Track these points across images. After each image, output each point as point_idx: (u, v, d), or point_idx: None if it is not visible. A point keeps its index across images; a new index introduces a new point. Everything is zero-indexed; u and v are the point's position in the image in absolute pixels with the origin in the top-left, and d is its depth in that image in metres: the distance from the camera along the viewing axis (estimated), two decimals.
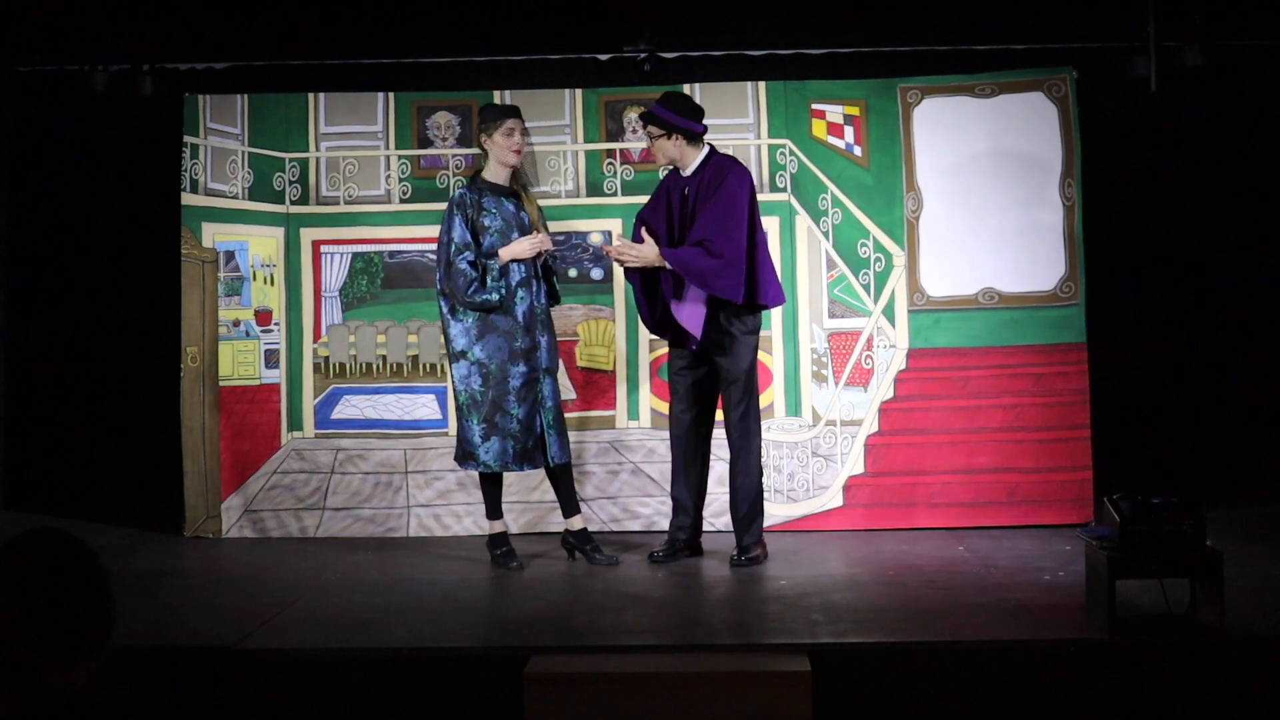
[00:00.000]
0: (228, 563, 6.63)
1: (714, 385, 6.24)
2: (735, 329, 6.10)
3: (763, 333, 6.98)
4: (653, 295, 6.23)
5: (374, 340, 7.24)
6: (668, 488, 6.51)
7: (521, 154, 6.23)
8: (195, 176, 7.25)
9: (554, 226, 6.76)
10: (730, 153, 6.89)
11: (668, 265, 6.03)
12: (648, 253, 6.06)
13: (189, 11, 7.67)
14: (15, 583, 2.39)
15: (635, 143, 7.20)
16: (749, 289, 6.03)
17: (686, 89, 7.22)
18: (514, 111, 6.25)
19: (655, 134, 6.16)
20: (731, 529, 6.29)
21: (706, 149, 6.23)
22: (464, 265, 6.05)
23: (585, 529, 6.37)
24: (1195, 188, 7.89)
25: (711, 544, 6.44)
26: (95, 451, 8.05)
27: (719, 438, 6.38)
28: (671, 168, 6.31)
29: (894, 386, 7.09)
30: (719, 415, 6.32)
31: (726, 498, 6.36)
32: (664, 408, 6.85)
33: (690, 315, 6.05)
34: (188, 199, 7.24)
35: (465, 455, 6.19)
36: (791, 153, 7.19)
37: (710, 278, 5.98)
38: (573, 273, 7.17)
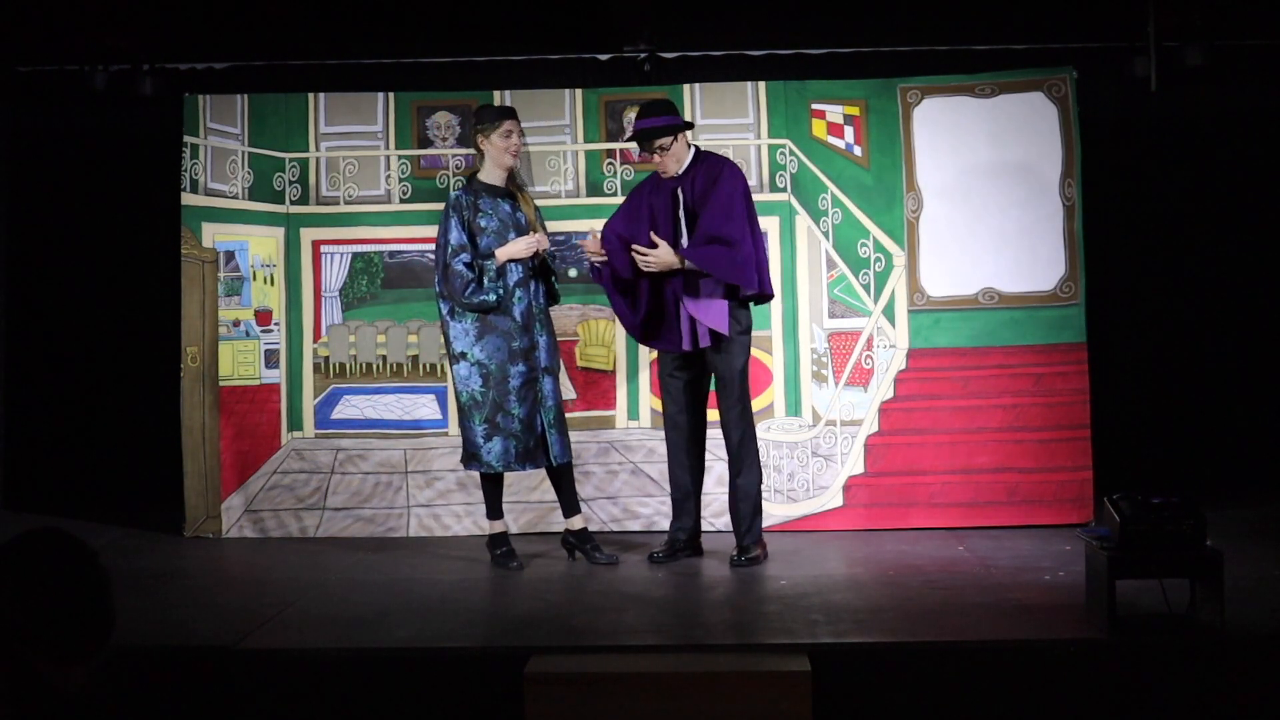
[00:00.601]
0: (228, 563, 6.64)
1: (707, 386, 6.24)
2: (730, 329, 6.09)
3: (763, 332, 7.02)
4: (630, 295, 6.17)
5: (374, 340, 7.24)
6: (667, 488, 6.50)
7: (518, 155, 6.24)
8: (195, 176, 7.25)
9: (554, 226, 6.76)
10: (730, 152, 6.92)
11: (688, 264, 6.00)
12: (665, 255, 6.00)
13: (189, 11, 7.67)
14: (15, 583, 2.39)
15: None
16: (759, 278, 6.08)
17: (686, 89, 7.23)
18: (512, 113, 6.25)
19: (666, 145, 6.09)
20: (731, 529, 6.29)
21: (693, 147, 6.22)
22: (461, 267, 6.04)
23: (585, 528, 6.37)
24: (1195, 188, 7.88)
25: (711, 544, 6.44)
26: (95, 451, 8.04)
27: (714, 437, 6.38)
28: (649, 177, 6.27)
29: (894, 386, 7.09)
30: (712, 416, 6.31)
31: (726, 498, 6.36)
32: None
33: (710, 312, 6.01)
34: (188, 199, 7.24)
35: (469, 457, 6.19)
36: (791, 153, 7.18)
37: (735, 270, 5.98)
38: (572, 273, 7.17)
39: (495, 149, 6.16)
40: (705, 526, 6.50)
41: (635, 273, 6.09)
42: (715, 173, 6.10)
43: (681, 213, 6.13)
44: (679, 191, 6.13)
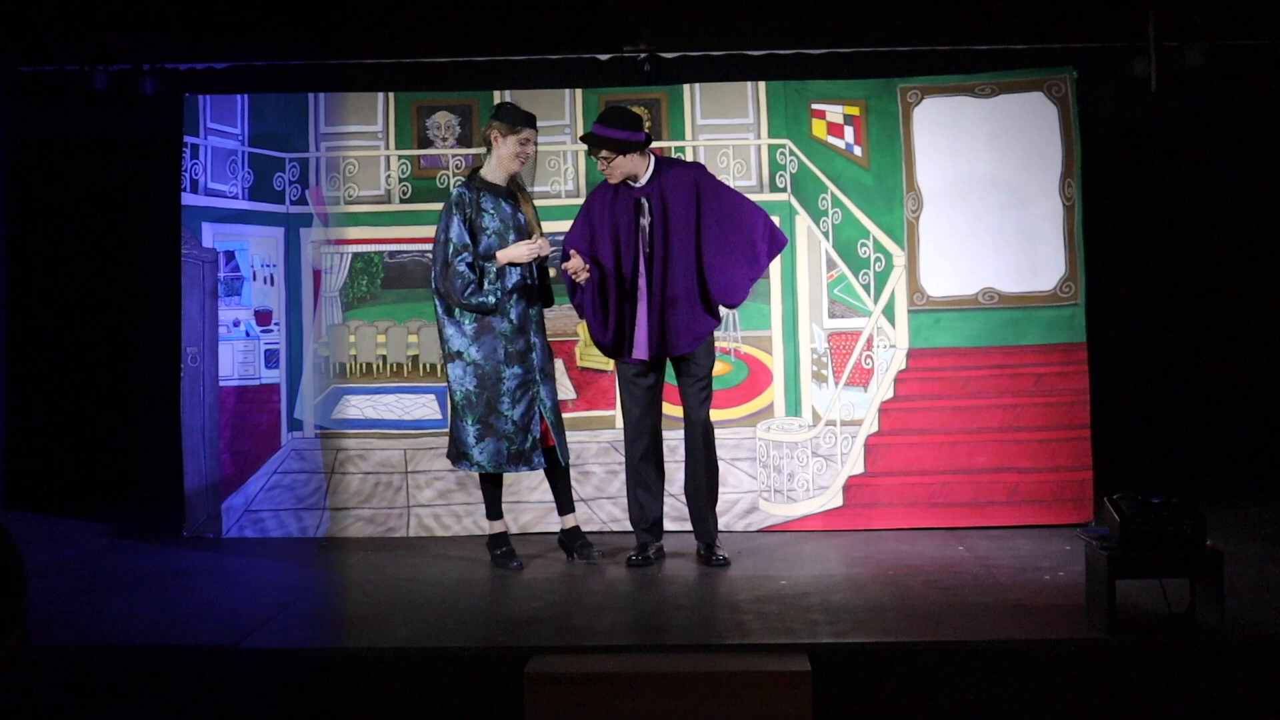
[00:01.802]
0: (228, 563, 6.64)
1: (662, 389, 6.20)
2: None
3: (763, 332, 7.06)
4: (602, 312, 6.09)
5: (374, 340, 7.25)
6: (667, 487, 6.41)
7: (525, 164, 6.23)
8: (195, 176, 7.24)
9: (554, 226, 6.75)
10: (730, 153, 6.92)
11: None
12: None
13: (189, 11, 7.67)
14: None
15: None
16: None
17: (686, 89, 7.23)
18: (533, 121, 6.17)
19: (610, 157, 5.98)
20: (725, 528, 6.27)
21: (651, 156, 6.13)
22: (462, 267, 6.02)
23: (577, 527, 6.37)
24: (1195, 188, 7.89)
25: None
26: (95, 452, 8.05)
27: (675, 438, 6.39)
28: (601, 183, 6.25)
29: (894, 386, 7.09)
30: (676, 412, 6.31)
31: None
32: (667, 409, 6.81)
33: (699, 324, 6.04)
34: (188, 199, 7.24)
35: (459, 455, 6.18)
36: (791, 153, 7.18)
37: (771, 231, 6.11)
38: None
39: (507, 152, 6.12)
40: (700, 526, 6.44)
41: (603, 288, 6.06)
42: (691, 178, 6.03)
43: (645, 222, 6.03)
44: (643, 201, 6.04)
